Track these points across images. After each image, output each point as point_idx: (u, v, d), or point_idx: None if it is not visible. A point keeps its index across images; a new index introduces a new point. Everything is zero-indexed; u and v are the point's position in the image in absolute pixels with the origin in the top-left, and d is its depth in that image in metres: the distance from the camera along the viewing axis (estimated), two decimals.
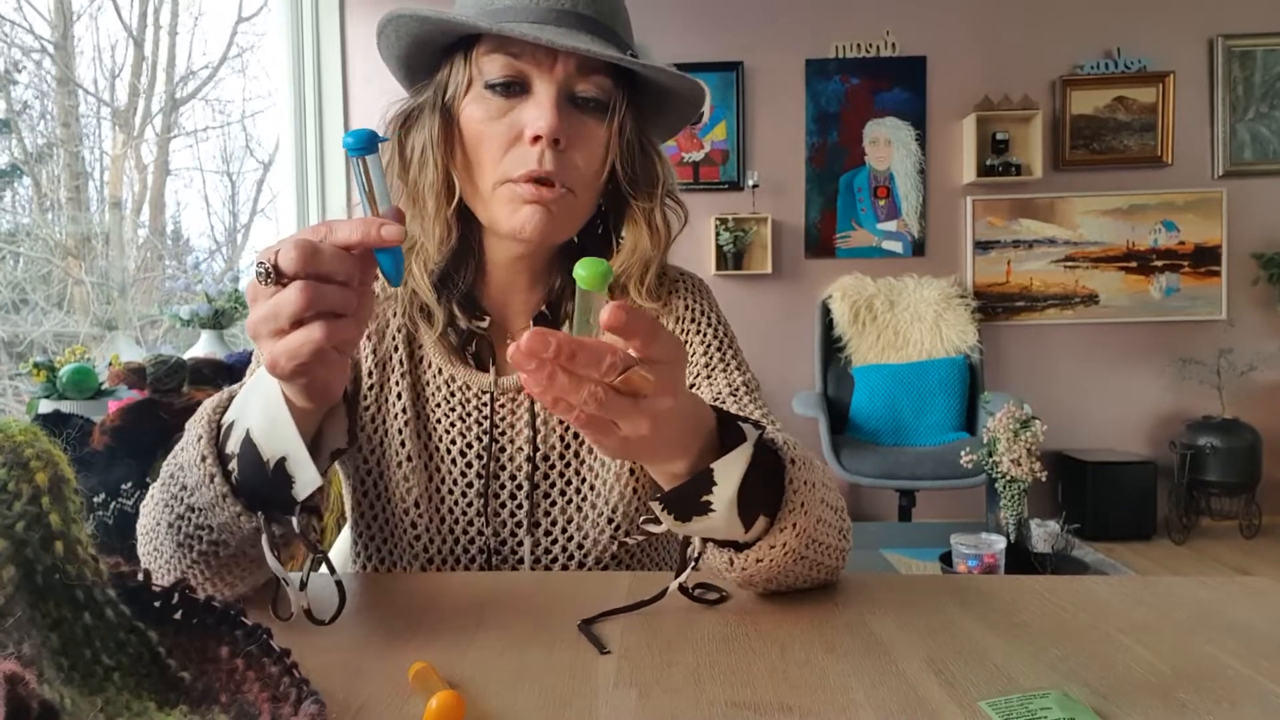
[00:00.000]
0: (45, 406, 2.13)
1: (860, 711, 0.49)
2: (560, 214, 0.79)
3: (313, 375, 0.56)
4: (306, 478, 0.60)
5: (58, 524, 0.45)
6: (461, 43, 0.80)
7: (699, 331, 0.91)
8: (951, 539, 2.61)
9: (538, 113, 0.75)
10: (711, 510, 0.58)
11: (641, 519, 0.64)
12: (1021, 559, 2.67)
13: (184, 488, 0.64)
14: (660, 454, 0.57)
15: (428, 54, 0.83)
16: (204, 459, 0.62)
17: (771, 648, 0.58)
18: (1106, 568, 2.90)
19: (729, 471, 0.58)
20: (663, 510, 0.59)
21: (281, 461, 0.60)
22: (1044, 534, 2.76)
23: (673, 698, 0.51)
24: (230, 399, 0.66)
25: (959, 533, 2.64)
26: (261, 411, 0.60)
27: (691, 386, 0.87)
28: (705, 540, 0.65)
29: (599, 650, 0.58)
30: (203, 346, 2.84)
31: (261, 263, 0.52)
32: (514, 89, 0.78)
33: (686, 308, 0.92)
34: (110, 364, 2.28)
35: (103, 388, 2.25)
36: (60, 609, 0.44)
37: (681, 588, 0.67)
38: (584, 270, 0.48)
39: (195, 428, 0.64)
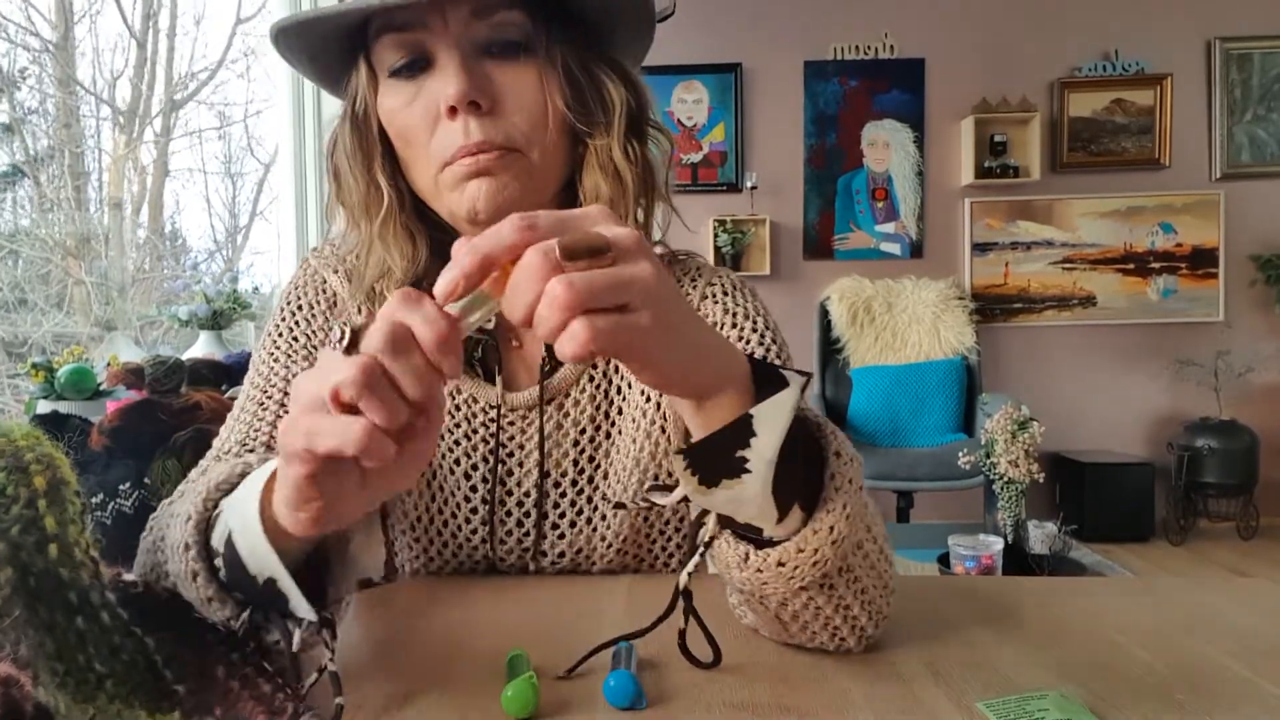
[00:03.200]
0: (43, 407, 2.13)
1: (859, 713, 0.49)
2: (512, 179, 0.69)
3: (318, 485, 0.43)
4: (303, 608, 0.48)
5: (53, 527, 0.45)
6: (358, 41, 0.72)
7: (741, 338, 0.79)
8: (949, 540, 2.61)
9: (443, 82, 0.67)
10: (746, 471, 0.47)
11: (647, 485, 0.55)
12: (1019, 560, 2.67)
13: (166, 562, 0.53)
14: (683, 367, 0.46)
15: (335, 62, 0.74)
16: (186, 548, 0.50)
17: (770, 648, 0.58)
18: (1104, 569, 2.90)
19: (771, 420, 0.47)
20: (686, 468, 0.48)
21: (271, 581, 0.48)
22: (1042, 535, 2.77)
23: (672, 699, 0.51)
24: (241, 476, 0.53)
25: (957, 534, 2.65)
26: (241, 525, 0.49)
27: None
28: (721, 527, 0.54)
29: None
30: (201, 347, 2.83)
31: (344, 324, 0.41)
32: (418, 65, 0.69)
33: (726, 311, 0.80)
34: (109, 364, 2.28)
35: (101, 388, 2.25)
36: (53, 613, 0.44)
37: (681, 643, 0.55)
38: None
39: (187, 501, 0.52)
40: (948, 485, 3.34)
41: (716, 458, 0.47)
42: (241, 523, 0.48)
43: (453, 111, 0.67)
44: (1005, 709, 0.48)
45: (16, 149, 3.25)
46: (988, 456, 2.78)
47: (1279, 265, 3.92)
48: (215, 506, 0.52)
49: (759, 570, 0.52)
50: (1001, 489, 2.77)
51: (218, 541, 0.50)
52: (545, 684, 0.52)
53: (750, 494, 0.48)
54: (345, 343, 0.41)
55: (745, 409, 0.47)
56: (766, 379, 0.49)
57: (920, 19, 4.06)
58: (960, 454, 3.00)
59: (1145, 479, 3.78)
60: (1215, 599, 0.70)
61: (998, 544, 2.57)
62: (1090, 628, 0.63)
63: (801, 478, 0.51)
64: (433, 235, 0.76)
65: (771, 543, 0.52)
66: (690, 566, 0.54)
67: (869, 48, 4.08)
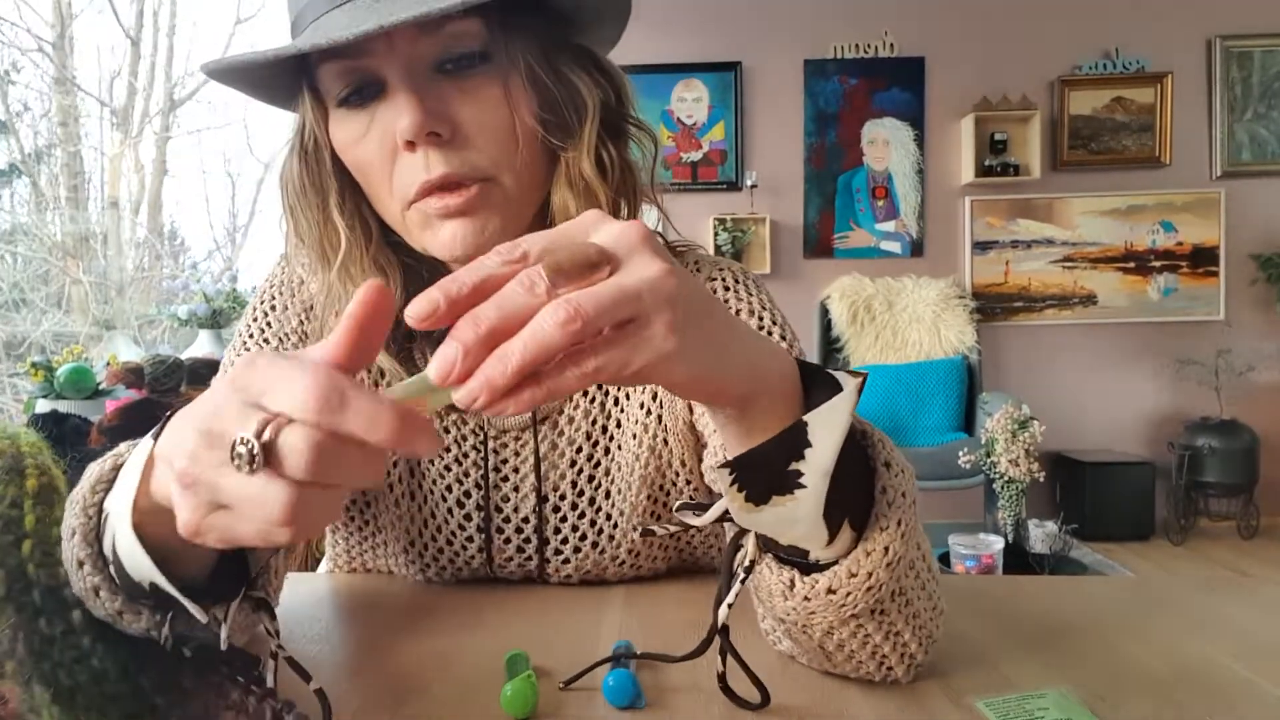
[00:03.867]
0: (43, 406, 2.13)
1: (858, 712, 0.49)
2: (491, 214, 0.63)
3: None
4: (191, 608, 0.43)
5: (31, 525, 0.45)
6: (300, 67, 0.65)
7: None
8: (950, 540, 2.61)
9: (395, 112, 0.60)
10: (800, 485, 0.42)
11: (678, 505, 0.49)
12: (1019, 560, 2.67)
13: (71, 585, 0.47)
14: (716, 373, 0.39)
15: (282, 89, 0.68)
16: (80, 564, 0.45)
17: (769, 648, 0.58)
18: (1104, 568, 2.90)
19: (827, 427, 0.41)
20: (732, 484, 0.42)
21: (155, 585, 0.43)
22: (1042, 535, 2.77)
23: (671, 698, 0.51)
24: (115, 470, 0.47)
25: (957, 533, 2.64)
26: (119, 530, 0.43)
27: None
28: (762, 550, 0.48)
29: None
30: (200, 346, 2.83)
31: (245, 442, 0.32)
32: (368, 92, 0.62)
33: (730, 307, 0.73)
34: (108, 363, 2.28)
35: (100, 387, 2.25)
36: (20, 613, 0.43)
37: (722, 685, 0.50)
38: None
39: (70, 514, 0.47)
40: (948, 484, 3.34)
41: (767, 471, 0.42)
42: (117, 526, 0.43)
43: (410, 145, 0.60)
44: (1005, 708, 0.48)
45: (13, 147, 3.25)
46: (988, 456, 2.78)
47: (1279, 264, 3.92)
48: (100, 511, 0.46)
49: (806, 599, 0.47)
50: (1002, 488, 2.77)
51: (108, 547, 0.45)
52: (543, 683, 0.52)
53: (803, 511, 0.43)
54: (255, 465, 0.32)
55: (795, 416, 0.42)
56: (815, 382, 0.44)
57: (920, 17, 4.05)
58: (960, 453, 3.00)
59: (1146, 478, 3.78)
60: (1215, 599, 0.70)
61: (998, 543, 2.57)
62: (1090, 627, 0.62)
63: (851, 492, 0.46)
64: (405, 263, 0.69)
65: (819, 566, 0.47)
66: (730, 597, 0.48)
67: (869, 46, 4.08)
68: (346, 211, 0.67)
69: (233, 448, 0.32)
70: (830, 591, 0.46)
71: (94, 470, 0.48)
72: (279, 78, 0.65)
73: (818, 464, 0.41)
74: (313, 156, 0.66)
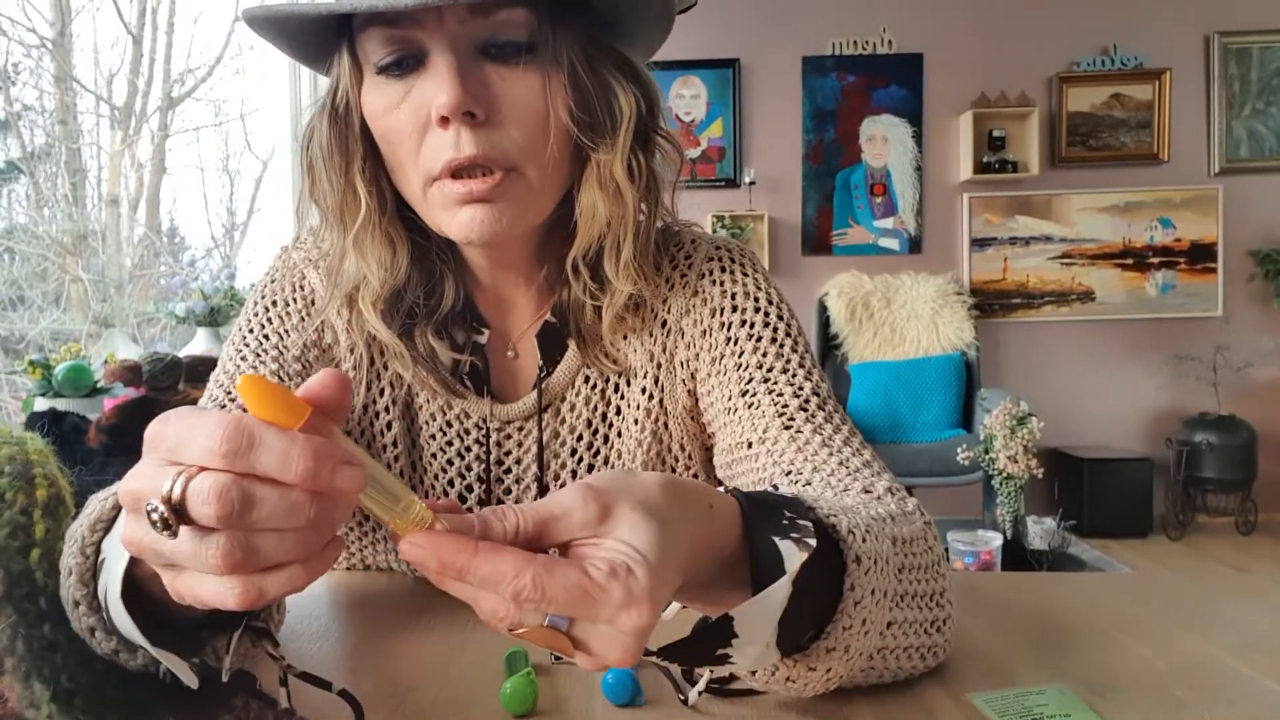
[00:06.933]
0: (41, 404, 2.13)
1: (857, 709, 0.49)
2: (509, 204, 0.63)
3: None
4: (184, 675, 0.42)
5: (40, 534, 0.45)
6: (342, 26, 0.65)
7: (744, 323, 0.72)
8: (948, 536, 2.61)
9: (435, 87, 0.59)
10: (730, 662, 0.42)
11: None
12: (1018, 556, 2.68)
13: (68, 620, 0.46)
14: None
15: (316, 45, 0.67)
16: (75, 604, 0.45)
17: None
18: (1103, 565, 2.91)
19: (756, 623, 0.40)
20: (657, 656, 0.42)
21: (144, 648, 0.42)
22: (1041, 531, 2.77)
23: (670, 695, 0.51)
24: (116, 509, 0.46)
25: (956, 530, 2.65)
26: (111, 593, 0.42)
27: (744, 394, 0.69)
28: None
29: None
30: (199, 344, 2.83)
31: (153, 509, 0.32)
32: (408, 64, 0.61)
33: (724, 293, 0.73)
34: (106, 361, 2.28)
35: (98, 385, 2.25)
36: (25, 616, 0.44)
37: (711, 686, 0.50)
38: None
39: (68, 552, 0.46)
40: (947, 481, 3.35)
41: (695, 658, 0.42)
42: (109, 587, 0.42)
43: (444, 120, 0.60)
44: (1004, 704, 0.48)
45: (13, 145, 3.25)
46: (986, 452, 2.78)
47: (1278, 260, 3.92)
48: (97, 552, 0.45)
49: (789, 680, 0.46)
50: (1000, 485, 2.78)
51: (102, 594, 0.44)
52: (543, 680, 0.52)
53: (741, 670, 0.43)
54: (172, 527, 0.32)
55: (745, 583, 0.42)
56: (766, 519, 0.43)
57: (918, 14, 4.05)
58: (959, 450, 3.00)
59: (1144, 474, 3.78)
60: (1214, 595, 0.70)
61: (996, 540, 2.58)
62: (1089, 623, 0.62)
63: (815, 603, 0.43)
64: (414, 239, 0.70)
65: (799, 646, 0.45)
66: (701, 686, 0.48)
67: (867, 43, 4.07)
68: (367, 177, 0.67)
69: (148, 516, 0.32)
70: (810, 669, 0.46)
71: (93, 508, 0.47)
72: (317, 36, 0.65)
73: (748, 652, 0.41)
74: (343, 119, 0.66)
